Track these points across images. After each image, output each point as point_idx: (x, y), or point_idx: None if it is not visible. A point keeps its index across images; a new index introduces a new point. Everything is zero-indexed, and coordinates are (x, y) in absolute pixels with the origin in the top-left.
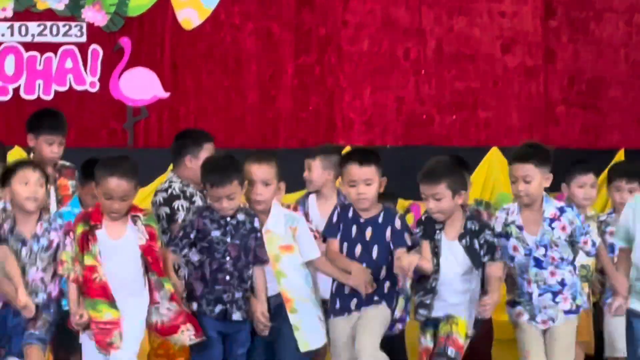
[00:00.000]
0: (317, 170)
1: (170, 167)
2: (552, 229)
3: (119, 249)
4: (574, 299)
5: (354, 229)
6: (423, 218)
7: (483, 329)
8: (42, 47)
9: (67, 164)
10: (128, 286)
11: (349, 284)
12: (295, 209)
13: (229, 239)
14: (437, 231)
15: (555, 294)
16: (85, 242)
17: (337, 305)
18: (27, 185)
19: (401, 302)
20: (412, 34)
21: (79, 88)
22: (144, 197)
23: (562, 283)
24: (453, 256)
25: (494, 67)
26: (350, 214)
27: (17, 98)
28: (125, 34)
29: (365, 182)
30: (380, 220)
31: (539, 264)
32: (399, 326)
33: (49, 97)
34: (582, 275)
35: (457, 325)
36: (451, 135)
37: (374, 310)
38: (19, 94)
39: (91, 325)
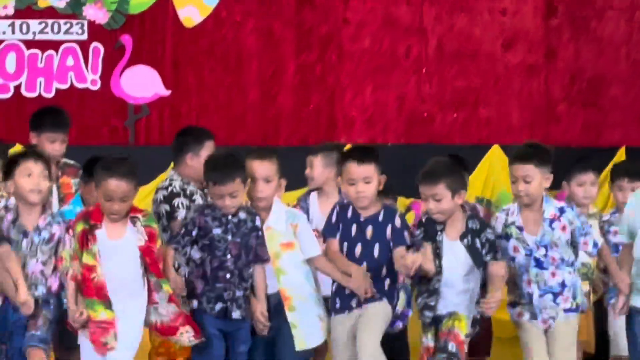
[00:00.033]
0: (318, 167)
1: (172, 165)
2: (552, 229)
3: (119, 250)
4: (574, 297)
5: (354, 228)
6: (424, 220)
7: (483, 328)
8: (44, 45)
9: (71, 162)
10: (127, 287)
11: (348, 286)
12: (296, 207)
13: (230, 237)
14: (439, 232)
15: (555, 295)
16: (84, 241)
17: (338, 304)
18: (31, 177)
19: (402, 297)
20: (413, 32)
21: (80, 86)
22: (145, 195)
23: (563, 284)
24: (455, 256)
25: (495, 65)
26: (350, 213)
27: (18, 96)
28: (127, 31)
29: (364, 180)
30: (380, 218)
31: (539, 264)
32: (399, 325)
33: (50, 95)
34: (582, 272)
35: (460, 321)
36: (452, 133)
37: (375, 308)
38: (20, 91)
39: (88, 323)
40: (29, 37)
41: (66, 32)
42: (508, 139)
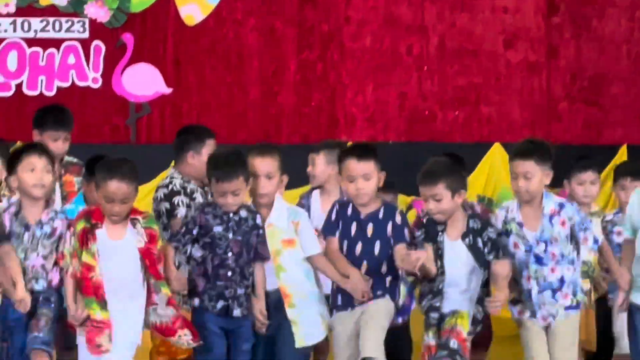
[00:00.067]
0: (320, 165)
1: (173, 163)
2: (552, 224)
3: (119, 250)
4: (574, 294)
5: (354, 226)
6: (424, 220)
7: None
8: (45, 43)
9: (74, 160)
10: (126, 287)
11: (345, 287)
12: (298, 204)
13: (231, 235)
14: (440, 233)
15: (554, 291)
16: (84, 239)
17: (340, 301)
18: (34, 172)
19: (402, 290)
20: (414, 30)
21: (81, 84)
22: (146, 193)
23: (562, 280)
24: (457, 256)
25: (497, 63)
26: (350, 211)
27: (19, 94)
28: (128, 30)
29: (364, 177)
30: (380, 215)
31: (539, 260)
32: (400, 320)
33: (52, 93)
34: (583, 271)
35: (462, 318)
36: (453, 131)
37: (378, 305)
38: (22, 89)
39: (87, 322)
40: (31, 35)
41: (67, 30)
42: (509, 137)
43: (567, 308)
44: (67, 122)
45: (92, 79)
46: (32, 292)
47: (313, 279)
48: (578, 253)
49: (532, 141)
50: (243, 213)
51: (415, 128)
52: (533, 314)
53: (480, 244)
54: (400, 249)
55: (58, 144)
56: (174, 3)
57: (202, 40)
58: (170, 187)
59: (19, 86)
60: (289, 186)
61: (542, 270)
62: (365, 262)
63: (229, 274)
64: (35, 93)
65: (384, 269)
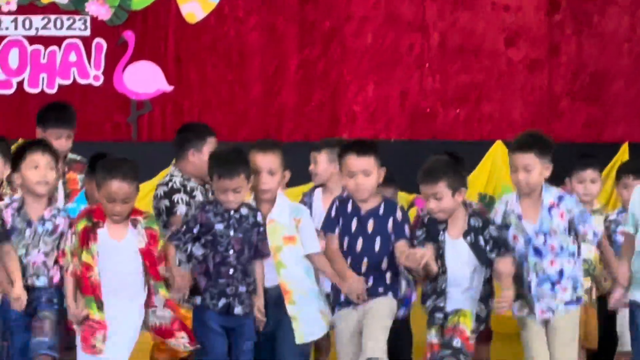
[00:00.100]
0: (322, 163)
1: (174, 161)
2: (551, 216)
3: (120, 250)
4: (574, 289)
5: (355, 222)
6: (425, 220)
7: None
8: (46, 41)
9: (78, 157)
10: (127, 287)
11: (342, 288)
12: (302, 202)
13: (232, 233)
14: (441, 232)
15: (553, 284)
16: (85, 239)
17: (342, 298)
18: (37, 169)
19: (402, 282)
20: (415, 28)
21: (82, 82)
22: (148, 191)
23: (561, 273)
24: (459, 255)
25: (498, 61)
26: (350, 207)
27: (21, 91)
28: (129, 27)
29: (364, 173)
30: (381, 212)
31: (538, 252)
32: (399, 313)
33: (53, 91)
34: (584, 269)
35: (465, 316)
36: (455, 129)
37: (380, 304)
38: (23, 87)
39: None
40: (32, 33)
41: (69, 28)
42: (510, 135)
43: (567, 303)
44: (70, 120)
45: (94, 76)
46: (33, 289)
47: (313, 275)
48: (579, 247)
49: (532, 134)
50: (244, 210)
51: (416, 126)
52: (531, 309)
53: (481, 242)
54: (401, 246)
55: (61, 141)
56: (175, 1)
57: (204, 38)
58: (170, 184)
59: (20, 84)
60: (290, 184)
61: (541, 262)
62: (365, 259)
63: (231, 271)
64: (37, 91)
65: (384, 265)
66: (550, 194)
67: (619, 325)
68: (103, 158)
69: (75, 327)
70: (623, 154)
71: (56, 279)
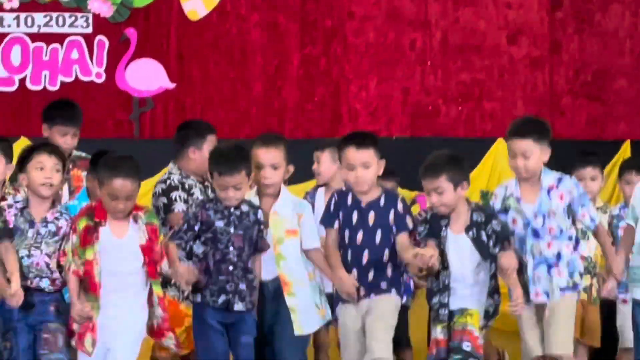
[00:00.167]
0: (325, 162)
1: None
2: (550, 198)
3: (123, 247)
4: (570, 275)
5: (355, 214)
6: (428, 216)
7: None
8: (48, 38)
9: (82, 154)
10: (129, 284)
11: (333, 282)
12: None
13: (232, 230)
14: (443, 227)
15: (550, 267)
16: (87, 237)
17: None
18: (43, 170)
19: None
20: (417, 25)
21: (85, 79)
22: (149, 188)
23: (559, 256)
24: (461, 250)
25: (500, 58)
26: (350, 200)
27: (23, 89)
28: (131, 24)
29: (364, 166)
30: (382, 203)
31: (536, 234)
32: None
33: (55, 88)
34: (584, 266)
35: (472, 316)
36: (457, 126)
37: (384, 303)
38: (25, 84)
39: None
40: (34, 30)
41: (71, 25)
42: None
43: (563, 289)
44: (76, 118)
45: (96, 74)
46: (37, 290)
47: (311, 269)
48: (577, 242)
49: (529, 119)
50: (244, 207)
51: (418, 123)
52: (527, 295)
53: (484, 237)
54: (402, 238)
55: (67, 139)
56: None
57: (206, 35)
58: (168, 182)
59: (22, 81)
60: (291, 181)
61: (538, 244)
62: (366, 251)
63: (231, 268)
64: (39, 88)
65: (385, 257)
66: (550, 176)
67: (619, 321)
68: (105, 155)
69: (75, 327)
70: (625, 152)
71: (58, 282)
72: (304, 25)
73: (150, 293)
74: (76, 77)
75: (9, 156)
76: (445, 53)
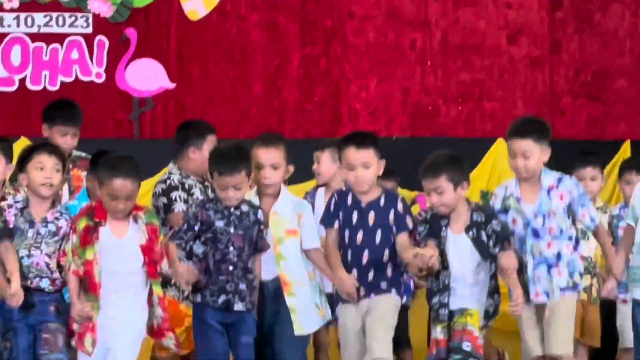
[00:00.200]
0: (325, 163)
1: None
2: (550, 198)
3: (123, 247)
4: (570, 275)
5: (355, 214)
6: (428, 216)
7: None
8: (48, 38)
9: (83, 154)
10: (130, 284)
11: (333, 282)
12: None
13: (232, 230)
14: (443, 227)
15: (550, 267)
16: (87, 237)
17: None
18: (43, 170)
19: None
20: (417, 26)
21: (85, 79)
22: (149, 188)
23: (559, 256)
24: (461, 250)
25: (500, 58)
26: (350, 199)
27: (23, 89)
28: (131, 24)
29: (363, 166)
30: (382, 203)
31: (536, 234)
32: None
33: (55, 88)
34: (584, 266)
35: (472, 316)
36: (457, 126)
37: (384, 303)
38: (25, 84)
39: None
40: (34, 30)
41: (71, 25)
42: None
43: (563, 289)
44: (76, 118)
45: (96, 74)
46: (37, 290)
47: (311, 269)
48: (577, 242)
49: (529, 119)
50: (244, 207)
51: (418, 123)
52: (527, 295)
53: (484, 237)
54: (402, 238)
55: (67, 139)
56: None
57: (206, 35)
58: (168, 182)
59: (22, 81)
60: (291, 181)
61: (538, 244)
62: (366, 251)
63: (230, 268)
64: (39, 88)
65: (385, 257)
66: (550, 176)
67: (619, 321)
68: (105, 155)
69: (75, 327)
70: (625, 152)
71: (58, 282)
72: (304, 25)
73: (150, 293)
74: (76, 77)
75: (9, 156)
76: (445, 53)
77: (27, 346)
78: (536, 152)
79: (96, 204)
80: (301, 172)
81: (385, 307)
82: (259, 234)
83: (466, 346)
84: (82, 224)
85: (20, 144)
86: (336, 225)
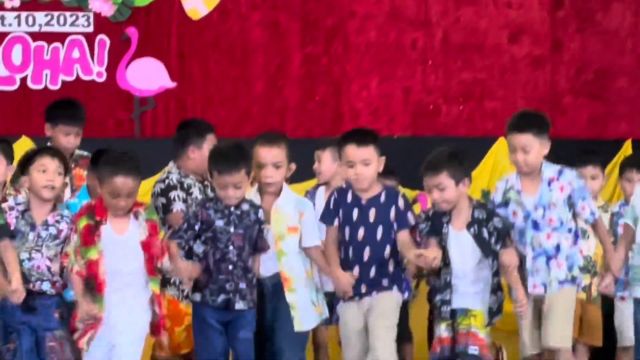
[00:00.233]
0: (326, 162)
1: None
2: (551, 190)
3: (124, 244)
4: (569, 269)
5: (356, 211)
6: (430, 214)
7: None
8: (49, 37)
9: (85, 153)
10: (132, 281)
11: (331, 279)
12: None
13: (232, 229)
14: (444, 224)
15: (549, 259)
16: (88, 237)
17: None
18: (45, 173)
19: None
20: (419, 25)
21: (86, 78)
22: (150, 188)
23: (558, 248)
24: (462, 247)
25: (501, 57)
26: (350, 197)
27: (24, 88)
28: (132, 24)
29: (364, 163)
30: (382, 200)
31: (536, 225)
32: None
33: (56, 87)
34: (583, 265)
35: (476, 317)
36: (458, 125)
37: (385, 301)
38: (26, 83)
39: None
40: (35, 29)
41: (72, 24)
42: None
43: (561, 282)
44: (79, 118)
45: (97, 73)
46: (39, 294)
47: (309, 266)
48: (577, 236)
49: (528, 113)
50: (245, 207)
51: (419, 122)
52: (526, 291)
53: (485, 234)
54: (403, 236)
55: (70, 138)
56: None
57: (207, 34)
58: (166, 182)
59: (23, 80)
60: (292, 180)
61: (538, 235)
62: (367, 248)
63: (230, 267)
64: (40, 87)
65: (386, 254)
66: (550, 169)
67: (617, 320)
68: (106, 153)
69: (78, 325)
70: (626, 151)
71: (59, 284)
72: (305, 25)
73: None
74: (77, 76)
75: (9, 157)
76: (447, 52)
77: (30, 348)
78: (536, 146)
79: (96, 202)
80: (302, 171)
81: (387, 305)
82: (259, 233)
83: (473, 350)
84: (83, 223)
85: (22, 143)
86: (336, 222)
